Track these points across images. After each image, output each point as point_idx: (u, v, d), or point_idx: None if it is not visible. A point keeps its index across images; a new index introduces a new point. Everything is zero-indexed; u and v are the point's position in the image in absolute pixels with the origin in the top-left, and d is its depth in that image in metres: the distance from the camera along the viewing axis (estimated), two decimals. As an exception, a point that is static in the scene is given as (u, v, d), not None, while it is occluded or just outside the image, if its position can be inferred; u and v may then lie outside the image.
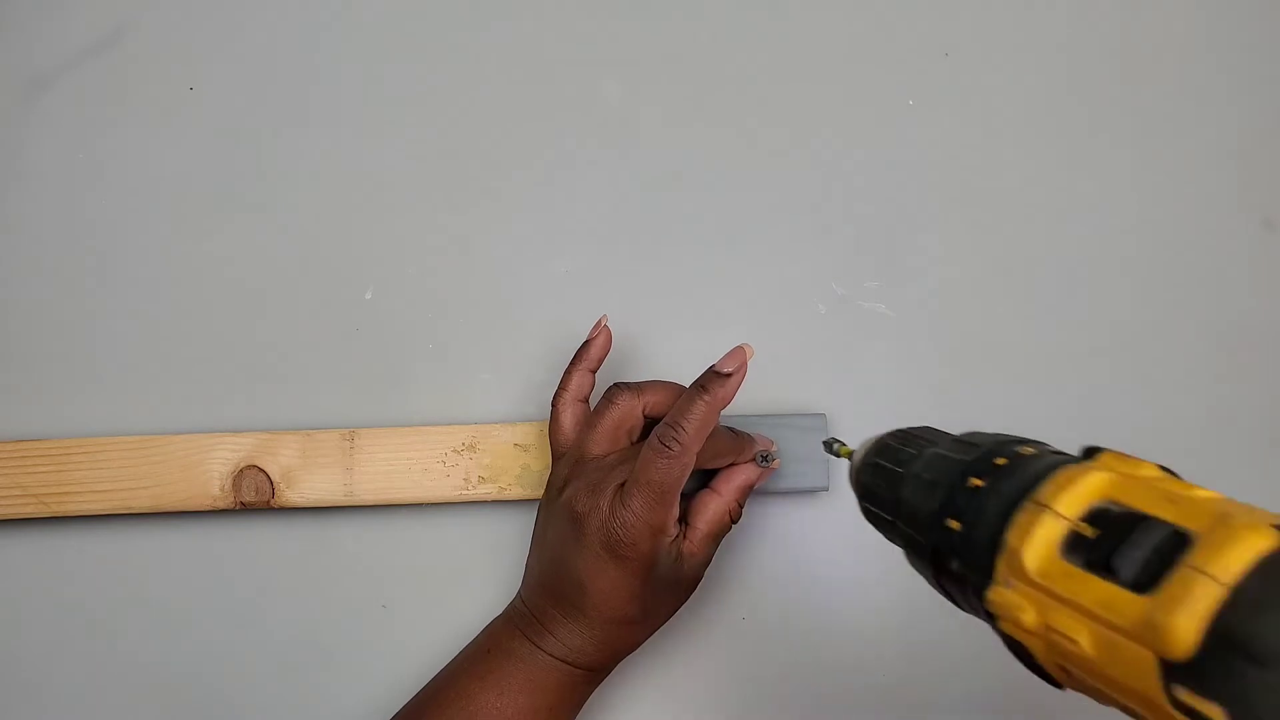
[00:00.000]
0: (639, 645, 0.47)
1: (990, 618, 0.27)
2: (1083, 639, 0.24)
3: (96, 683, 0.51)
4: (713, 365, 0.42)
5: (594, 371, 0.48)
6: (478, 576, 0.52)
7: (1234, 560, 0.22)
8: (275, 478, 0.50)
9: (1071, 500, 0.26)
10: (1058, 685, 0.27)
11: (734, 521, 0.46)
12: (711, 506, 0.45)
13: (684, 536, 0.44)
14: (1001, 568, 0.26)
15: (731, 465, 0.47)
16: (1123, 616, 0.23)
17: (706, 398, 0.42)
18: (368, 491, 0.50)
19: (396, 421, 0.52)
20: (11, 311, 0.54)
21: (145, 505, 0.50)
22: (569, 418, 0.47)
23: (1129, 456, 0.27)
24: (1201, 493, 0.25)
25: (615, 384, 0.46)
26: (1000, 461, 0.28)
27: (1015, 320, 0.54)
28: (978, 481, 0.28)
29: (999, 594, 0.26)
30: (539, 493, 0.49)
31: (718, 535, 0.46)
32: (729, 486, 0.46)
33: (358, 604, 0.52)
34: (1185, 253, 0.55)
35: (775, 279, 0.55)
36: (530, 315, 0.54)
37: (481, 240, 0.55)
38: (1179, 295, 0.55)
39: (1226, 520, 0.23)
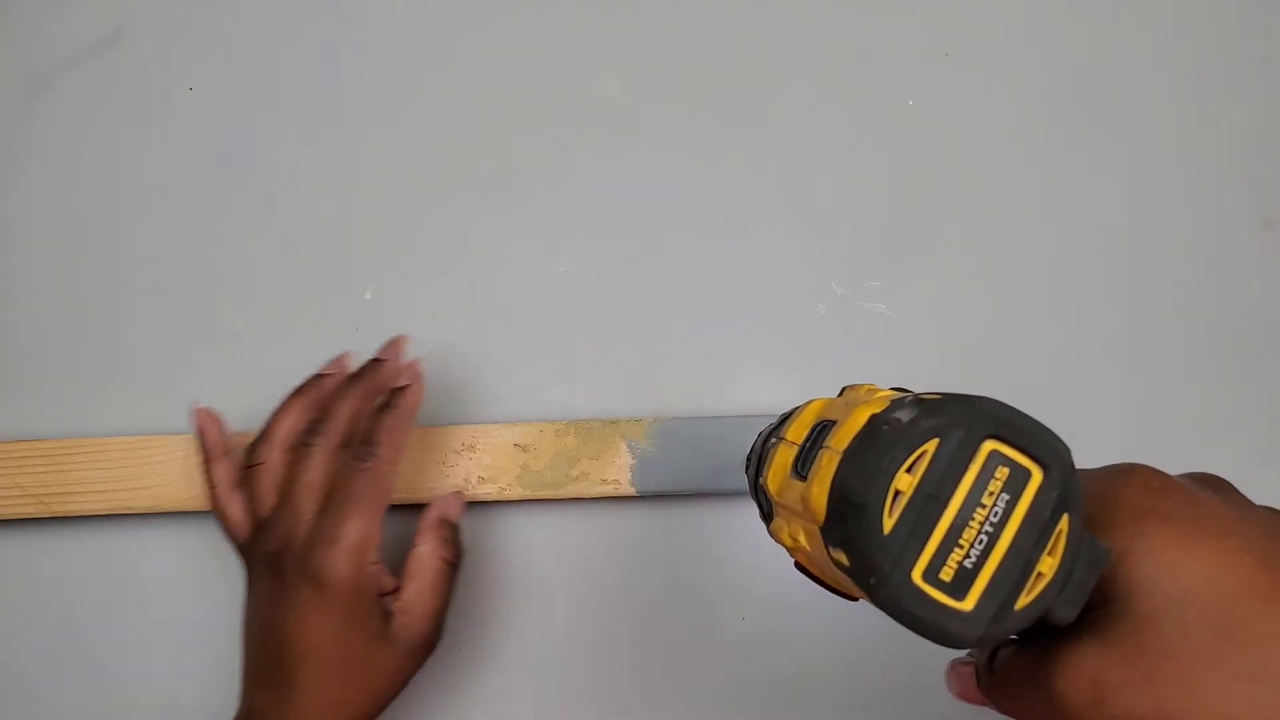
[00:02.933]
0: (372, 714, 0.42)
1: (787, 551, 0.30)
2: (801, 537, 0.27)
3: (96, 683, 0.51)
4: (375, 355, 0.45)
5: (228, 454, 0.45)
6: (478, 576, 0.51)
7: (847, 433, 0.25)
8: (275, 478, 0.49)
9: (797, 428, 0.29)
10: (851, 598, 0.29)
11: (449, 561, 0.43)
12: (413, 557, 0.43)
13: (396, 595, 0.42)
14: (773, 504, 0.30)
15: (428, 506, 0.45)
16: (800, 504, 0.26)
17: (393, 411, 0.42)
18: (368, 491, 0.50)
19: (396, 421, 0.52)
20: (11, 311, 0.54)
21: (145, 505, 0.50)
22: (235, 510, 0.44)
23: (863, 385, 0.30)
24: (880, 393, 0.28)
25: (257, 445, 0.44)
26: (788, 414, 0.32)
27: (1015, 320, 0.54)
28: (773, 441, 0.31)
29: (773, 525, 0.29)
30: (539, 493, 0.49)
31: (434, 583, 0.43)
32: (423, 528, 0.44)
33: (358, 604, 0.52)
34: (1185, 253, 0.55)
35: (775, 279, 0.55)
36: (530, 315, 0.54)
37: (481, 240, 0.55)
38: (1179, 295, 0.55)
39: (854, 404, 0.26)
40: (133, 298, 0.54)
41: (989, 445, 0.24)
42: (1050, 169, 0.56)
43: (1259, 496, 0.27)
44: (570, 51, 0.57)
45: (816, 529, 0.26)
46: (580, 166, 0.56)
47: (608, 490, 0.49)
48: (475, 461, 0.50)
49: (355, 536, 0.40)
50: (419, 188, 0.55)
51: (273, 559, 0.41)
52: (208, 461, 0.45)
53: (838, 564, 0.25)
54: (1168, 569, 0.24)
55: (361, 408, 0.43)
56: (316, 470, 0.42)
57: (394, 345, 0.46)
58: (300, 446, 0.42)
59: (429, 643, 0.43)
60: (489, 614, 0.50)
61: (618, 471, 0.50)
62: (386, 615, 0.42)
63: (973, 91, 0.56)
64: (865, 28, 0.57)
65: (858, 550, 0.24)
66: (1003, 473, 0.24)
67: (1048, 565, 0.24)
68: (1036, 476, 0.24)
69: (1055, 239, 0.55)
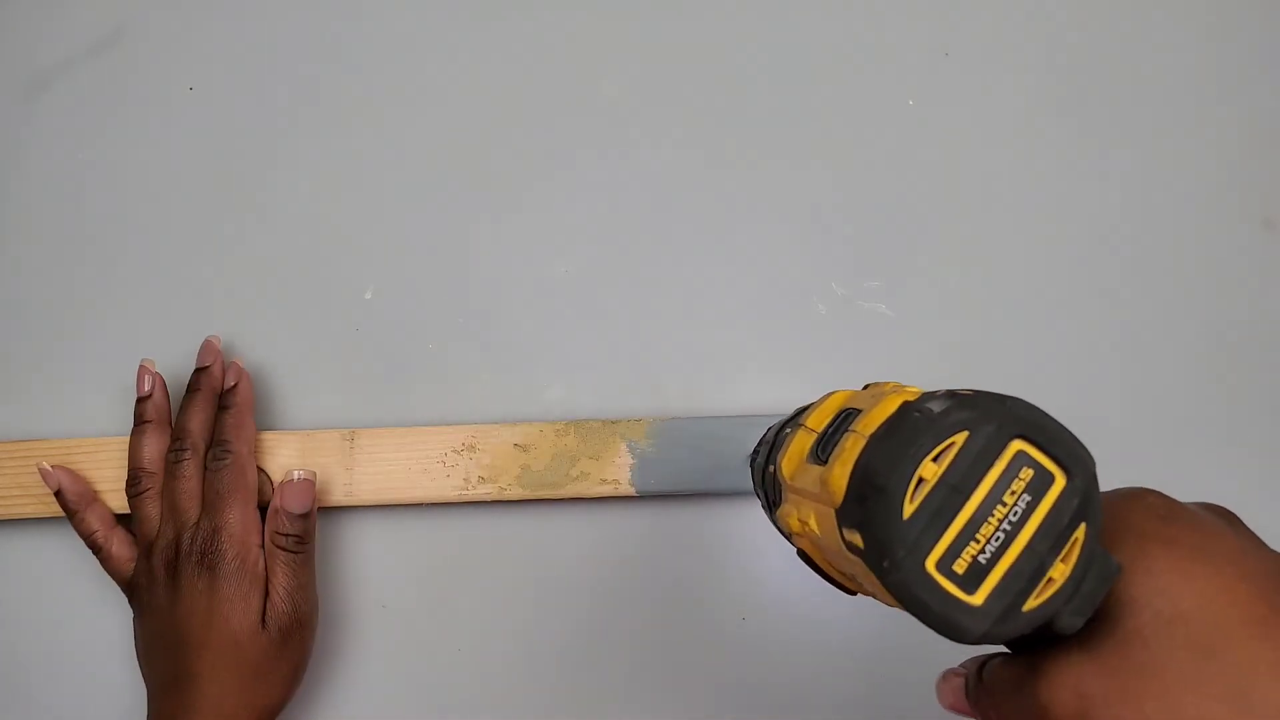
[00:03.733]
0: (277, 703, 0.46)
1: (789, 539, 0.30)
2: (812, 520, 0.27)
3: (96, 683, 0.51)
4: (197, 364, 0.49)
5: (97, 499, 0.49)
6: (477, 576, 0.52)
7: (876, 418, 0.26)
8: (275, 478, 0.50)
9: (818, 415, 0.29)
10: (849, 592, 0.30)
11: (282, 548, 0.46)
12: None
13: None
14: (783, 488, 0.30)
15: None
16: (818, 485, 0.27)
17: (231, 410, 0.48)
18: (368, 491, 0.50)
19: (396, 421, 0.52)
20: (12, 311, 0.54)
21: (145, 505, 0.50)
22: (118, 546, 0.48)
23: (888, 382, 0.30)
24: (909, 388, 0.28)
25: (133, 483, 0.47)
26: (802, 409, 0.32)
27: (1015, 320, 0.54)
28: (787, 430, 0.32)
29: (780, 510, 0.30)
30: (539, 493, 0.49)
31: (281, 566, 0.46)
32: (266, 517, 0.47)
33: (358, 604, 0.52)
34: (1185, 253, 0.55)
35: (775, 279, 0.55)
36: (530, 315, 0.54)
37: (481, 240, 0.55)
38: (1179, 295, 0.55)
39: (882, 394, 0.27)
40: (132, 298, 0.54)
41: (1016, 445, 0.24)
42: (1049, 169, 0.56)
43: (1259, 496, 0.27)
44: (570, 51, 0.57)
45: (831, 511, 0.26)
46: (580, 166, 0.56)
47: (607, 490, 0.49)
48: (475, 461, 0.50)
49: (236, 523, 0.45)
50: (419, 188, 0.55)
51: (169, 565, 0.45)
52: (78, 513, 0.48)
53: (850, 546, 0.25)
54: (1163, 590, 0.24)
55: (208, 414, 0.48)
56: (191, 479, 0.46)
57: (209, 347, 0.50)
58: (173, 464, 0.47)
59: (296, 621, 0.46)
60: (489, 615, 0.50)
61: (618, 471, 0.50)
62: (265, 599, 0.46)
63: (973, 91, 0.56)
64: (865, 28, 0.57)
65: (874, 533, 0.24)
66: (1027, 474, 0.24)
67: (1059, 571, 0.24)
68: (1059, 482, 0.24)
69: (1055, 239, 0.55)
